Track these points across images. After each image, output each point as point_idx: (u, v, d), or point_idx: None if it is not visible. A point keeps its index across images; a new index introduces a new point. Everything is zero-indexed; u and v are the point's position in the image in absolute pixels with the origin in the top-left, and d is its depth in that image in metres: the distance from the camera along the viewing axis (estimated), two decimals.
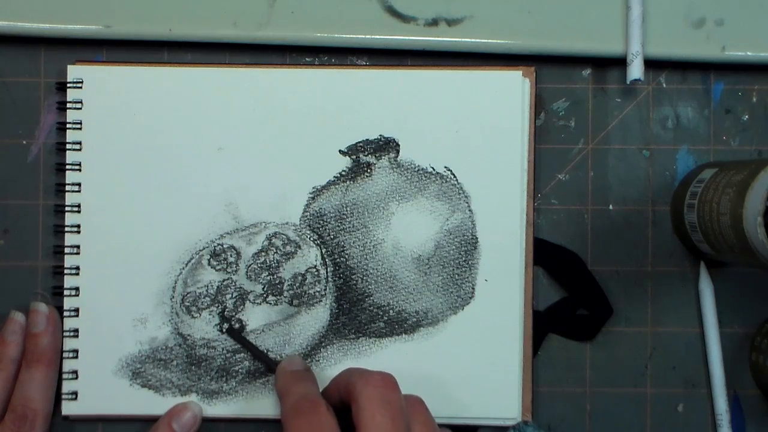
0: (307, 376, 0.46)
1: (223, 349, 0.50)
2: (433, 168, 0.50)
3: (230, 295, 0.50)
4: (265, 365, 0.49)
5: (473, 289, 0.50)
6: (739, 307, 0.50)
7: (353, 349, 0.49)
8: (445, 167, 0.50)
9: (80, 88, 0.50)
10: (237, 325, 0.49)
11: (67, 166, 0.50)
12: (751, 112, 0.51)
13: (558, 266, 0.50)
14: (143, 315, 0.50)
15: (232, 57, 0.51)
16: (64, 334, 0.49)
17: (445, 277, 0.50)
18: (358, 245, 0.50)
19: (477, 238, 0.50)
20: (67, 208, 0.50)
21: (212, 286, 0.50)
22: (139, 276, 0.50)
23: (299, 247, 0.50)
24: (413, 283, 0.50)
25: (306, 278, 0.50)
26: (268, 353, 0.50)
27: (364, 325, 0.50)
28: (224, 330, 0.49)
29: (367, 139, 0.50)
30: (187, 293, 0.50)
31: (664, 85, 0.51)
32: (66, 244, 0.50)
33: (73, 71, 0.50)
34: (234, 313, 0.50)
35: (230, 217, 0.50)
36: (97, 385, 0.50)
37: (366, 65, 0.51)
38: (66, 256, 0.50)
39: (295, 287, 0.50)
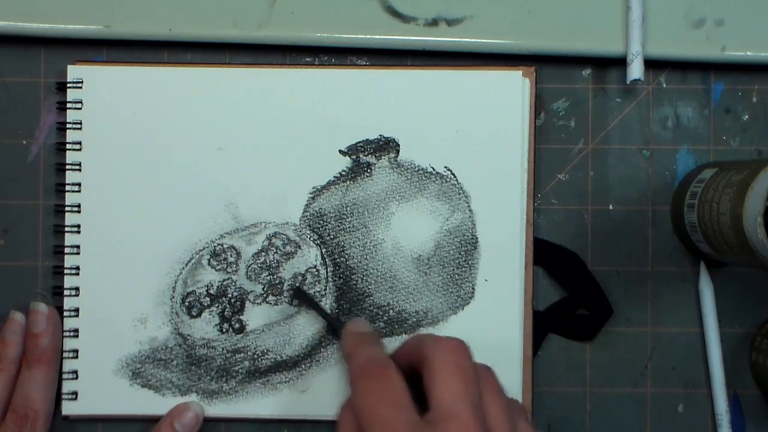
0: (375, 339, 0.45)
1: (223, 349, 0.50)
2: (433, 168, 0.50)
3: (230, 295, 0.50)
4: (330, 327, 0.49)
5: (473, 289, 0.50)
6: (739, 307, 0.50)
7: None
8: (445, 167, 0.50)
9: (80, 88, 0.50)
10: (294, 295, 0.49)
11: (67, 166, 0.50)
12: (751, 112, 0.51)
13: (558, 266, 0.50)
14: (143, 315, 0.50)
15: (232, 57, 0.51)
16: (64, 334, 0.49)
17: (445, 277, 0.50)
18: (358, 245, 0.50)
19: (477, 238, 0.50)
20: (67, 208, 0.50)
21: (212, 286, 0.50)
22: (139, 276, 0.50)
23: (299, 247, 0.50)
24: (413, 283, 0.50)
25: (306, 278, 0.50)
26: (268, 353, 0.50)
27: None
28: (292, 291, 0.49)
29: (367, 139, 0.50)
30: (187, 293, 0.50)
31: (664, 85, 0.51)
32: (66, 244, 0.50)
33: (73, 71, 0.50)
34: (234, 313, 0.50)
35: (230, 217, 0.50)
36: (97, 385, 0.50)
37: (366, 65, 0.51)
38: (66, 256, 0.50)
39: (295, 287, 0.50)
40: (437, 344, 0.41)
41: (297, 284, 0.49)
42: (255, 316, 0.50)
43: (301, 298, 0.49)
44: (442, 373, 0.40)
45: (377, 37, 0.49)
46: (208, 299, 0.50)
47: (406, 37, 0.49)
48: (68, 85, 0.50)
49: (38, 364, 0.48)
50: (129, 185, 0.50)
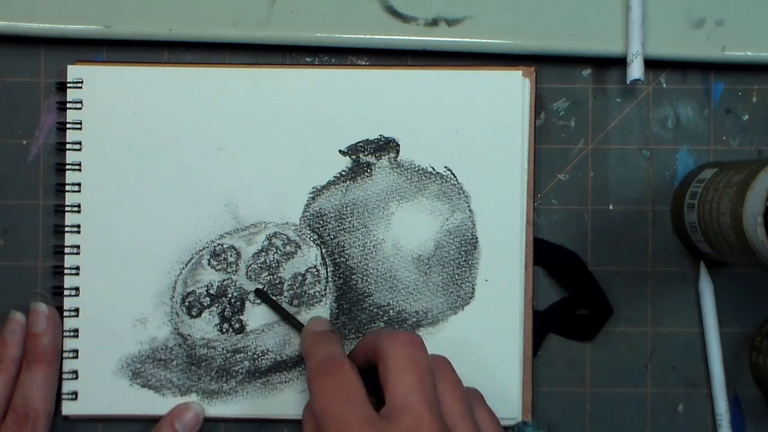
0: (332, 337, 0.45)
1: (223, 349, 0.50)
2: (433, 168, 0.50)
3: (230, 295, 0.50)
4: (292, 327, 0.49)
5: (473, 289, 0.50)
6: (739, 307, 0.50)
7: None
8: (445, 167, 0.50)
9: (80, 88, 0.50)
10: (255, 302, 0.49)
11: (67, 166, 0.50)
12: (751, 112, 0.51)
13: (558, 266, 0.50)
14: (143, 315, 0.50)
15: (232, 57, 0.51)
16: (64, 334, 0.49)
17: (445, 277, 0.50)
18: (358, 245, 0.50)
19: (477, 238, 0.50)
20: (67, 208, 0.50)
21: (212, 286, 0.50)
22: (139, 276, 0.50)
23: (299, 247, 0.50)
24: (413, 283, 0.50)
25: (306, 278, 0.50)
26: (268, 353, 0.50)
27: (364, 325, 0.50)
28: (253, 291, 0.49)
29: (367, 139, 0.50)
30: (187, 293, 0.50)
31: (664, 85, 0.51)
32: (66, 244, 0.50)
33: (73, 71, 0.50)
34: (234, 313, 0.50)
35: (230, 217, 0.50)
36: (97, 385, 0.50)
37: (366, 65, 0.51)
38: (66, 256, 0.50)
39: (295, 287, 0.50)
40: (391, 339, 0.41)
41: (258, 286, 0.49)
42: (255, 316, 0.50)
43: (263, 299, 0.49)
44: (396, 368, 0.40)
45: (377, 37, 0.49)
46: (208, 299, 0.50)
47: (406, 37, 0.49)
48: (68, 85, 0.50)
49: (38, 364, 0.48)
50: (129, 185, 0.50)
